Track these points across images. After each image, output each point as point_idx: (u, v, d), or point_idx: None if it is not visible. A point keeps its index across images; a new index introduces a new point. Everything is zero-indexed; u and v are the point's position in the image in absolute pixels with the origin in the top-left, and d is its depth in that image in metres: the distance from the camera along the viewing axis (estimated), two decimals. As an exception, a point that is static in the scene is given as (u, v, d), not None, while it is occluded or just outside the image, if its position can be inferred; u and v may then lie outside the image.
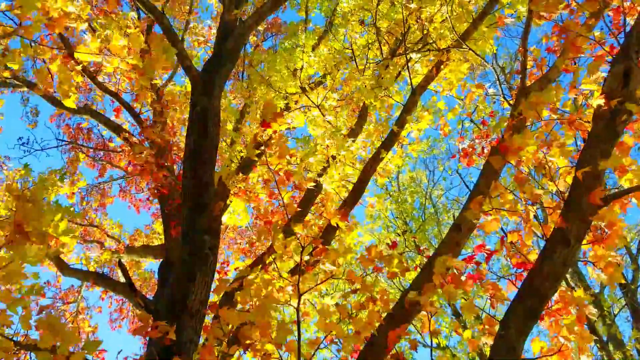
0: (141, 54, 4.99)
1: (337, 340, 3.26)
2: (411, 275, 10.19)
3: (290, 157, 3.85)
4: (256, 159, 4.42)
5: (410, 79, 6.40)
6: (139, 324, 3.57)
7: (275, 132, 3.80)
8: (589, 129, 3.27)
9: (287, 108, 7.45)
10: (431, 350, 3.36)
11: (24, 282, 3.20)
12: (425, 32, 6.98)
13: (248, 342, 3.16)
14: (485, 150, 6.00)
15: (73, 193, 8.71)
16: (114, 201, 11.01)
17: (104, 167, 10.64)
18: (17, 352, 3.21)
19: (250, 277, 3.48)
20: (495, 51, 7.11)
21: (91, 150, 10.51)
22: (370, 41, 7.54)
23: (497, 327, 2.98)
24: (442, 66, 6.50)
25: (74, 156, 10.42)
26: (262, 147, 3.77)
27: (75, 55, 4.45)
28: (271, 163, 3.76)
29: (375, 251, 3.52)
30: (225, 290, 3.58)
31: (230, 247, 11.30)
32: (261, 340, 3.16)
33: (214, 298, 5.04)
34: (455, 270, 3.12)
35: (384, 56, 7.11)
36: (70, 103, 4.35)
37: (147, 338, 4.36)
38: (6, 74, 4.40)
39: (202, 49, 9.75)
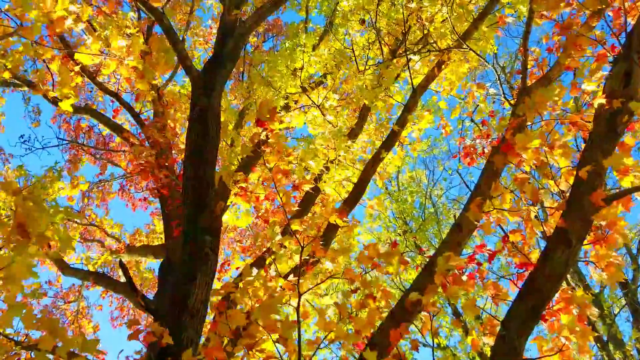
0: (141, 55, 4.99)
1: (337, 339, 3.25)
2: (412, 276, 10.20)
3: (288, 156, 3.85)
4: (252, 154, 4.42)
5: (411, 79, 6.40)
6: (134, 328, 3.55)
7: (272, 130, 3.79)
8: (590, 129, 3.26)
9: (287, 108, 7.44)
10: (432, 351, 3.35)
11: (24, 282, 3.18)
12: (425, 32, 6.98)
13: (252, 341, 3.15)
14: (486, 150, 6.00)
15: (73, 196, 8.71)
16: (114, 201, 11.03)
17: (105, 165, 10.66)
18: (17, 351, 3.21)
19: (252, 277, 3.47)
20: (495, 51, 7.11)
21: (92, 148, 10.52)
22: (370, 41, 7.53)
23: (498, 327, 2.98)
24: (442, 66, 6.50)
25: (74, 154, 10.43)
26: (261, 146, 3.76)
27: (76, 56, 4.44)
28: (269, 161, 3.75)
29: (373, 249, 3.52)
30: (227, 291, 3.58)
31: (230, 247, 11.31)
32: (266, 338, 3.15)
33: (214, 299, 5.03)
34: (456, 271, 3.11)
35: (385, 56, 7.11)
36: (66, 106, 4.33)
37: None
38: (6, 74, 4.39)
39: (203, 49, 9.75)
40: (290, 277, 3.66)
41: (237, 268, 6.03)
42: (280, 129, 3.87)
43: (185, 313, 3.94)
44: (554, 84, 4.67)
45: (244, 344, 3.17)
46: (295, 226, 3.49)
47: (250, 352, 3.18)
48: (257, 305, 3.35)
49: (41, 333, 3.07)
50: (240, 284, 3.42)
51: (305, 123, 7.61)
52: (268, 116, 3.67)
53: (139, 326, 3.52)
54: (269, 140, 3.83)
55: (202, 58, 9.66)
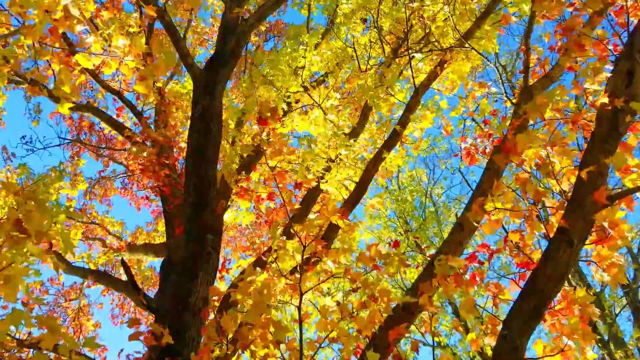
0: (142, 56, 4.96)
1: (338, 339, 3.25)
2: (413, 275, 10.18)
3: (290, 154, 3.84)
4: (252, 153, 4.44)
5: (413, 79, 6.39)
6: (135, 326, 3.55)
7: (274, 129, 3.80)
8: (592, 129, 3.26)
9: (290, 107, 7.43)
10: (433, 350, 3.36)
11: (25, 280, 3.18)
12: (427, 31, 6.96)
13: (246, 342, 3.15)
14: (488, 150, 5.99)
15: (73, 197, 8.73)
16: (116, 198, 11.09)
17: (107, 162, 10.69)
18: (19, 350, 3.21)
19: (253, 277, 3.46)
20: (497, 50, 7.10)
21: (94, 147, 10.55)
22: (372, 40, 7.52)
23: (499, 327, 2.98)
24: (445, 65, 6.48)
25: (77, 151, 10.45)
26: (262, 146, 3.76)
27: (76, 58, 4.41)
28: (270, 160, 3.74)
29: (374, 250, 3.51)
30: (220, 293, 3.58)
31: (229, 245, 11.32)
32: (259, 340, 3.15)
33: (216, 299, 5.02)
34: (459, 270, 3.10)
35: (386, 55, 7.09)
36: (65, 109, 4.32)
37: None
38: (6, 68, 4.36)
39: (204, 48, 9.75)
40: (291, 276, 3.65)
41: (238, 267, 6.03)
42: (283, 132, 3.87)
43: (187, 312, 3.94)
44: (556, 84, 4.67)
45: (238, 346, 3.17)
46: (297, 227, 3.49)
47: (245, 352, 3.18)
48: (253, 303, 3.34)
49: (42, 330, 3.07)
50: (240, 284, 3.41)
51: (307, 127, 7.57)
52: (269, 114, 3.66)
53: (140, 326, 3.52)
54: (270, 140, 3.83)
55: (204, 57, 9.66)
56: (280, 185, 3.79)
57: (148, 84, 4.26)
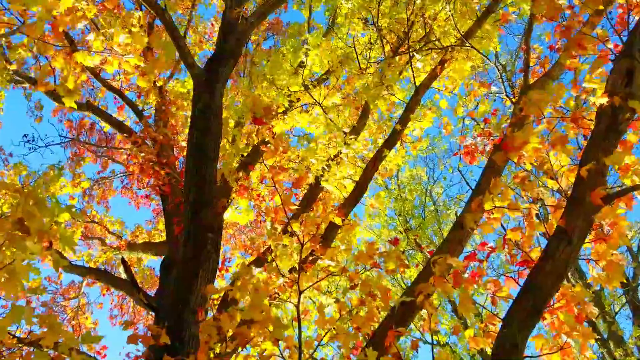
0: (143, 52, 4.97)
1: (337, 337, 3.25)
2: (413, 273, 10.18)
3: (285, 153, 3.85)
4: (245, 153, 4.44)
5: (414, 78, 6.39)
6: (132, 327, 3.55)
7: (269, 128, 3.81)
8: (592, 127, 3.26)
9: (291, 105, 7.43)
10: (432, 348, 3.36)
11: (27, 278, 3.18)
12: (427, 30, 6.96)
13: (245, 340, 3.15)
14: (487, 149, 6.00)
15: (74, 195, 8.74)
16: (115, 198, 11.09)
17: (106, 162, 10.69)
18: (19, 348, 3.22)
19: (248, 276, 3.46)
20: (498, 49, 7.11)
21: (93, 146, 10.55)
22: (372, 40, 7.52)
23: (498, 325, 2.98)
24: (445, 64, 6.49)
25: (77, 152, 10.46)
26: (259, 145, 3.77)
27: (78, 59, 4.41)
28: (266, 158, 3.75)
29: (372, 248, 3.52)
30: (216, 291, 3.58)
31: (228, 243, 11.33)
32: (259, 337, 3.15)
33: (216, 296, 5.03)
34: (459, 269, 3.11)
35: (386, 54, 7.09)
36: (70, 103, 4.32)
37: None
38: (12, 66, 4.37)
39: (203, 46, 9.74)
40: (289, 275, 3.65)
41: (238, 265, 6.03)
42: (284, 129, 3.88)
43: (187, 310, 3.95)
44: (553, 83, 4.67)
45: (236, 344, 3.17)
46: (295, 226, 3.49)
47: (244, 350, 3.18)
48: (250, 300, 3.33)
49: (42, 329, 3.07)
50: (238, 283, 3.41)
51: (308, 123, 7.56)
52: (263, 113, 3.66)
53: (138, 328, 3.52)
54: (266, 140, 3.84)
55: (204, 55, 9.66)
56: (276, 183, 3.79)
57: (149, 78, 4.28)
